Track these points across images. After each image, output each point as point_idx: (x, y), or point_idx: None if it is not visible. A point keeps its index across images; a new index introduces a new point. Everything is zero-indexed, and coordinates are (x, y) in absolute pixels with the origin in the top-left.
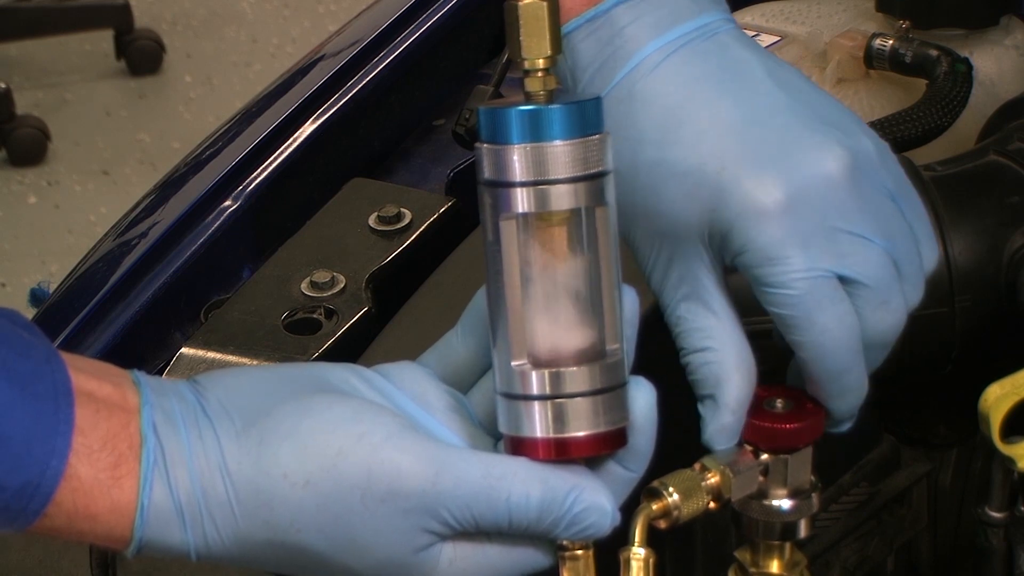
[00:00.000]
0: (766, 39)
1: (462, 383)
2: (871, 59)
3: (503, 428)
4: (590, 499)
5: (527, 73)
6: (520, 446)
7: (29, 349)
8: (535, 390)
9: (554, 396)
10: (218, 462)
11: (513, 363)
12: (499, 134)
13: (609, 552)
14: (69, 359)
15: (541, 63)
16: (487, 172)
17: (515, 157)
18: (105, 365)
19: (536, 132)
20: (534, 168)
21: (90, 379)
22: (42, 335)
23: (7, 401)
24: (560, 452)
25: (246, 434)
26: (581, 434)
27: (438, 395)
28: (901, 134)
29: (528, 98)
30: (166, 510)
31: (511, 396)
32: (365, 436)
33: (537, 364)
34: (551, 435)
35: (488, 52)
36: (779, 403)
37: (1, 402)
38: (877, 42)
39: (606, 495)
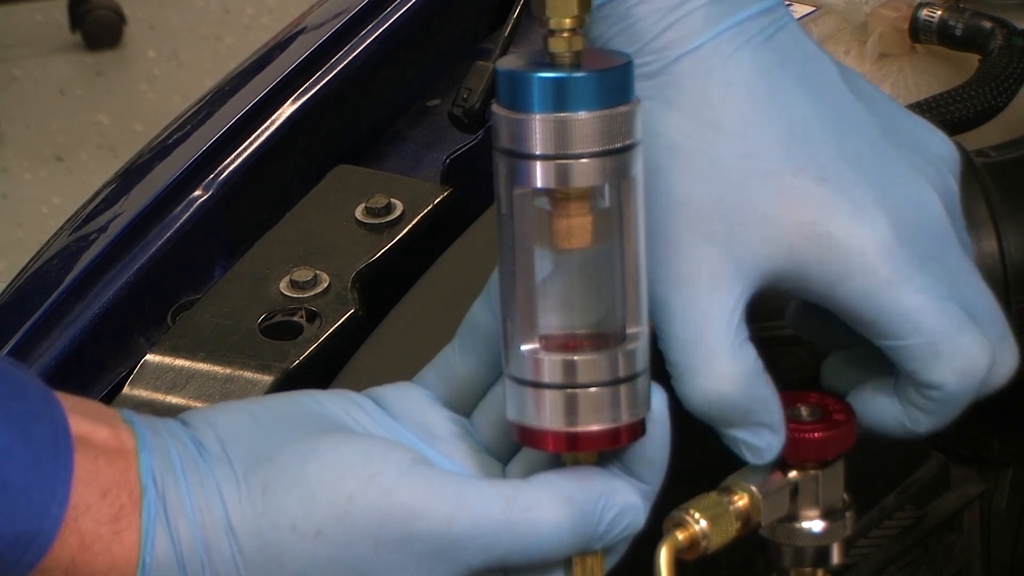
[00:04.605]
0: (800, 10)
1: (464, 404)
2: (917, 32)
3: (510, 414)
4: (621, 501)
5: (552, 33)
6: (527, 435)
7: (25, 387)
8: (547, 377)
9: (567, 385)
10: (221, 515)
11: (523, 347)
12: (519, 101)
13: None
14: (60, 397)
15: (568, 23)
16: (504, 140)
17: (535, 128)
18: (94, 403)
19: (559, 102)
20: (556, 141)
21: (84, 421)
22: (29, 370)
23: (6, 444)
24: (572, 446)
25: (247, 482)
26: (595, 428)
27: (442, 422)
28: (951, 115)
29: (552, 59)
30: (168, 566)
31: (520, 381)
32: (376, 478)
33: (549, 348)
34: (563, 428)
35: (488, 25)
36: (804, 411)
37: (0, 445)
38: (924, 12)
39: (631, 489)
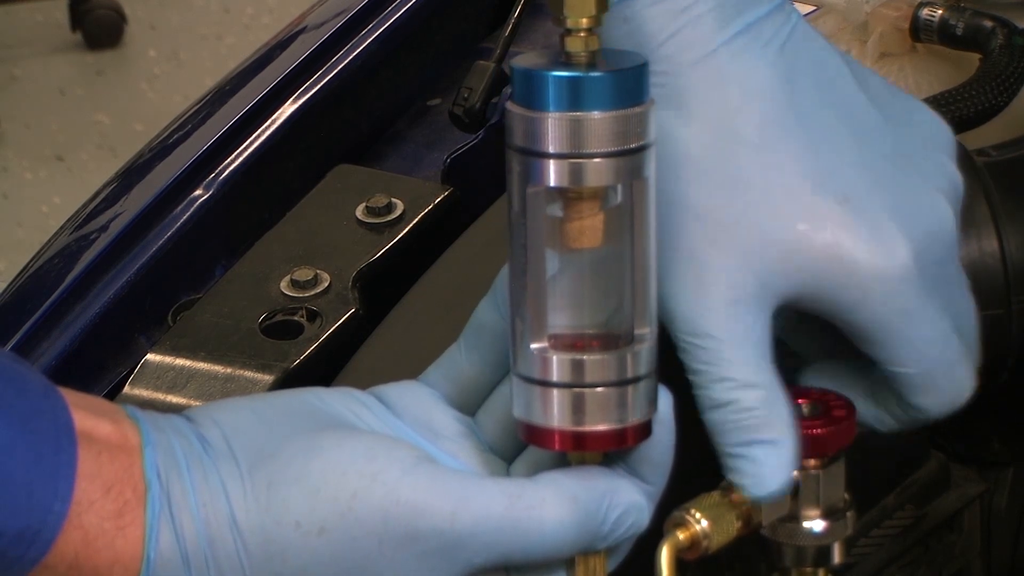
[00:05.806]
0: (801, 9)
1: (469, 404)
2: (918, 31)
3: (517, 412)
4: (625, 500)
5: (568, 32)
6: (534, 434)
7: (27, 383)
8: (555, 376)
9: (575, 384)
10: (225, 511)
11: (533, 345)
12: (533, 99)
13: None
14: (64, 393)
15: (585, 22)
16: (517, 138)
17: (549, 127)
18: (97, 399)
19: (574, 101)
20: (569, 140)
21: (87, 416)
22: (30, 366)
23: (7, 440)
24: (578, 445)
25: (251, 478)
26: (602, 428)
27: (446, 420)
28: (952, 114)
29: (568, 59)
30: (172, 562)
31: (528, 380)
32: (379, 475)
33: (558, 347)
34: (569, 427)
35: (488, 25)
36: (804, 407)
37: (1, 441)
38: (924, 12)
39: (636, 489)
